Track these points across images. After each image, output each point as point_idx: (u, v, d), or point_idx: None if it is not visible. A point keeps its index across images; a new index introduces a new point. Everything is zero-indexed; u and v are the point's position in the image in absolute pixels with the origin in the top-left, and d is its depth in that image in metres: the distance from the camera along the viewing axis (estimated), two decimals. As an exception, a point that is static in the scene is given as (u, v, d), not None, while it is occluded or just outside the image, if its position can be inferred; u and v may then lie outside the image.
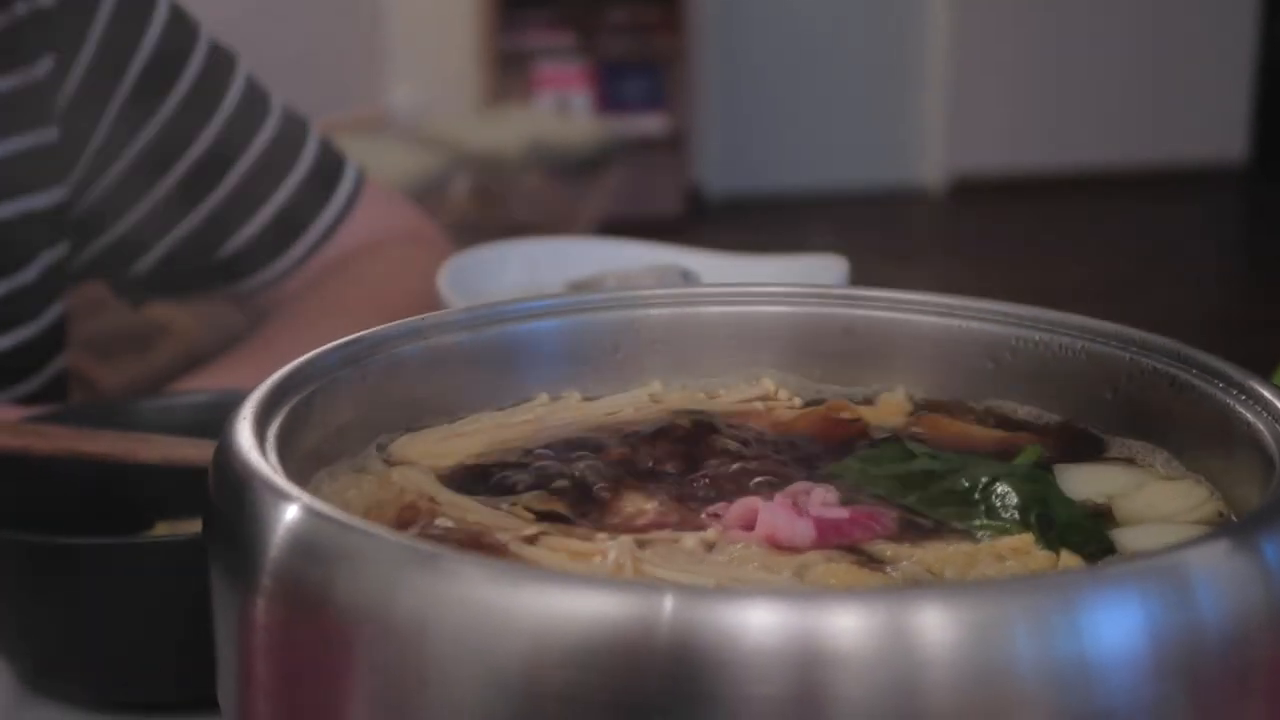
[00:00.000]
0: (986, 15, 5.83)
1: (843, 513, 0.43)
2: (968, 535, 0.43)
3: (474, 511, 0.44)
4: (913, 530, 0.43)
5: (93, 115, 0.93)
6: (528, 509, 0.44)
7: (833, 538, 0.42)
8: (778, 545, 0.41)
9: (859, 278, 0.85)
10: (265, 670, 0.38)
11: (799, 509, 0.43)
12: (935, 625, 0.32)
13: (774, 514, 0.42)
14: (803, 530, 0.42)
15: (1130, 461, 0.49)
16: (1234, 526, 0.37)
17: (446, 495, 0.45)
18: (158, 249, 0.98)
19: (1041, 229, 5.33)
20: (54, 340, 0.95)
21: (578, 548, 0.41)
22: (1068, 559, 0.41)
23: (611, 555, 0.40)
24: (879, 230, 5.39)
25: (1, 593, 0.60)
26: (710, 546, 0.42)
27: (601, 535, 0.42)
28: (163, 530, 0.69)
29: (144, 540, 0.66)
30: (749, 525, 0.42)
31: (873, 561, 0.41)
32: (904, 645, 0.32)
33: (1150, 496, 0.46)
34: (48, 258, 0.92)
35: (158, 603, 0.58)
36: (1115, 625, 0.33)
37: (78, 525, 0.66)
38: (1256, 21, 6.04)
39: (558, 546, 0.41)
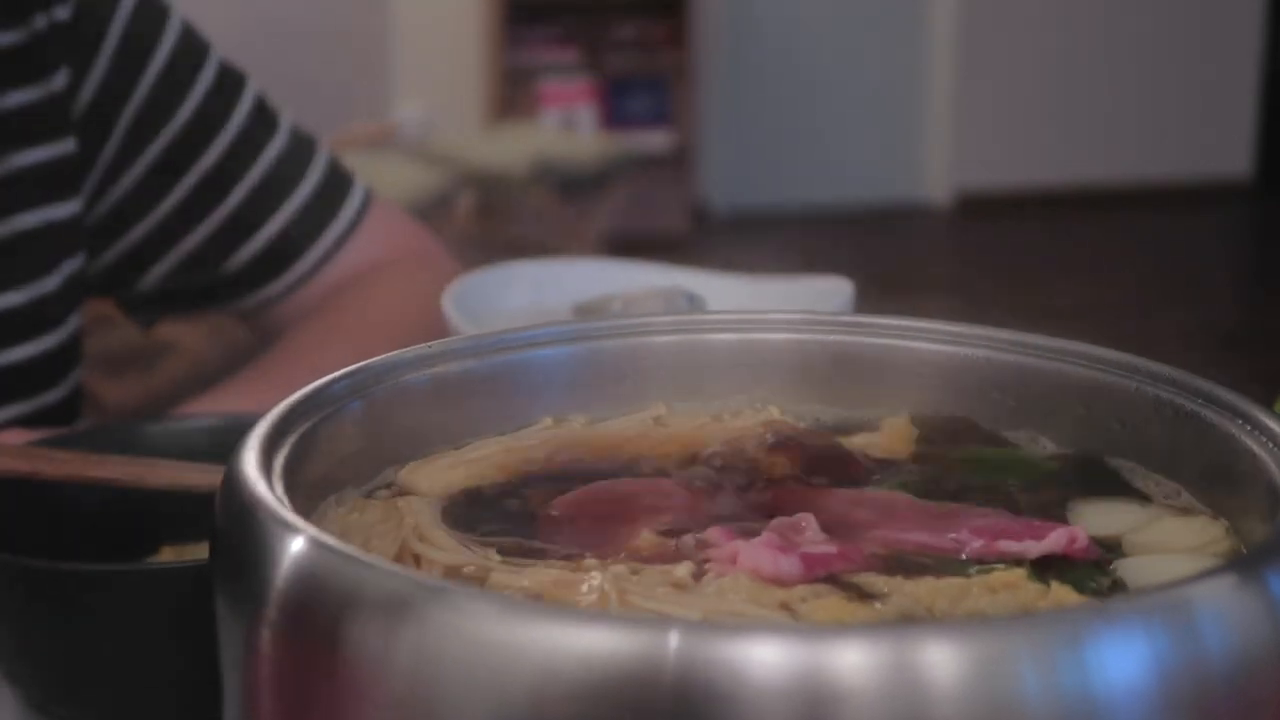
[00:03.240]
0: (992, 33, 5.83)
1: (831, 548, 0.43)
2: (959, 569, 0.43)
3: (455, 550, 0.44)
4: (903, 563, 0.43)
5: (104, 128, 0.94)
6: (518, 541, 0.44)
7: (819, 569, 0.42)
8: (763, 578, 0.41)
9: (864, 296, 0.84)
10: (270, 701, 0.38)
11: (785, 543, 0.42)
12: (942, 662, 0.32)
13: (756, 553, 0.42)
14: (787, 566, 0.41)
15: (1145, 496, 0.48)
16: (1240, 561, 0.37)
17: (433, 531, 0.45)
18: (164, 262, 0.99)
19: (1047, 246, 5.33)
20: (74, 350, 0.96)
21: (563, 577, 0.41)
22: (1059, 591, 0.41)
23: (595, 584, 0.40)
24: (885, 247, 5.38)
25: (6, 617, 0.60)
26: (697, 577, 0.41)
27: (588, 564, 0.42)
28: (169, 554, 0.69)
29: (149, 567, 0.66)
30: (736, 558, 0.42)
31: (863, 595, 0.41)
32: (910, 682, 0.32)
33: (1163, 532, 0.46)
34: (69, 267, 0.93)
35: (163, 629, 0.58)
36: (1121, 661, 0.33)
37: (84, 549, 0.66)
38: (1262, 38, 6.04)
39: (542, 576, 0.41)
